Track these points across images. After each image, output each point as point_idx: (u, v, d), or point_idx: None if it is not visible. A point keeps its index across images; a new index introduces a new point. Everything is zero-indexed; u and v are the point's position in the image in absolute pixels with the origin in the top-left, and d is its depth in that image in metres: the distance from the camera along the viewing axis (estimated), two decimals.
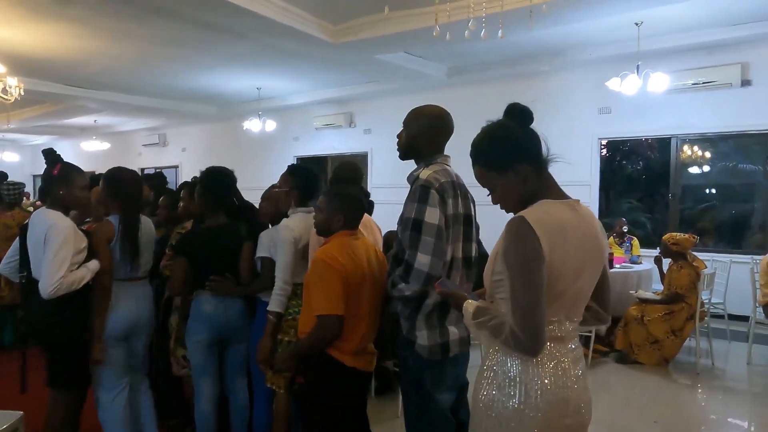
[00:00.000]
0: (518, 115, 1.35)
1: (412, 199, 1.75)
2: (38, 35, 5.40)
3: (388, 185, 7.17)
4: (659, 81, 5.11)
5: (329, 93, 8.33)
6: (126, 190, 2.37)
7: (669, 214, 6.32)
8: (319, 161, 9.62)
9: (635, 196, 8.05)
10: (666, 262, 4.45)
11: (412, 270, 1.70)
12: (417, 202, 1.73)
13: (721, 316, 4.81)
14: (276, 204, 2.48)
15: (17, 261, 2.36)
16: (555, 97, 6.52)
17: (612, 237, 5.68)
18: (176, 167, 11.65)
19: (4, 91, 5.21)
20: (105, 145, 11.71)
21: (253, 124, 8.27)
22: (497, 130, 1.35)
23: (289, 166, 2.52)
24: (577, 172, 6.32)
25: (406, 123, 1.94)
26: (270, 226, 2.56)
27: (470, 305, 1.34)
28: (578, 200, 1.32)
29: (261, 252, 2.35)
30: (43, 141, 14.40)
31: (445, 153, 1.94)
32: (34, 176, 14.65)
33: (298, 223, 2.28)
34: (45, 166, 2.33)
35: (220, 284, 2.34)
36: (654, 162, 7.59)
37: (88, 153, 12.21)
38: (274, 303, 2.20)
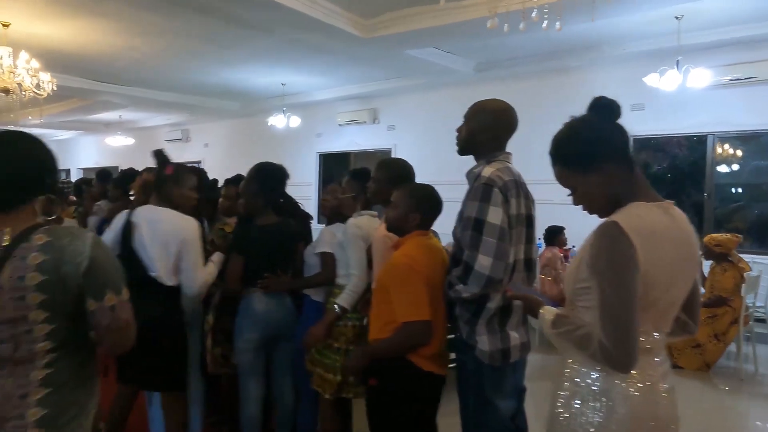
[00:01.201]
0: (604, 110, 1.27)
1: (474, 198, 1.67)
2: (71, 31, 5.44)
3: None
4: (700, 76, 4.96)
5: (353, 89, 8.27)
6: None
7: (704, 214, 6.14)
8: (342, 158, 9.58)
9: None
10: (706, 264, 4.31)
11: (471, 272, 1.62)
12: (479, 201, 1.65)
13: (764, 320, 4.66)
14: (338, 201, 2.45)
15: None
16: (585, 94, 6.30)
17: None
18: (198, 163, 11.70)
19: (38, 86, 5.25)
20: (129, 141, 11.82)
21: (277, 120, 8.25)
22: (581, 126, 1.27)
23: (351, 171, 2.48)
24: None
25: (467, 117, 1.87)
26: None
27: (548, 312, 1.27)
28: (672, 202, 1.24)
29: (322, 247, 2.32)
30: (69, 136, 14.61)
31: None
32: (60, 171, 14.87)
33: (365, 223, 2.24)
34: (157, 165, 2.35)
35: (275, 282, 2.31)
36: (681, 160, 7.38)
37: (112, 148, 12.34)
38: (346, 298, 2.15)
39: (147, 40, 5.81)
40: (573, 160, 1.24)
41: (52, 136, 14.72)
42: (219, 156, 10.92)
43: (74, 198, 5.28)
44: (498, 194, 1.65)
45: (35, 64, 5.16)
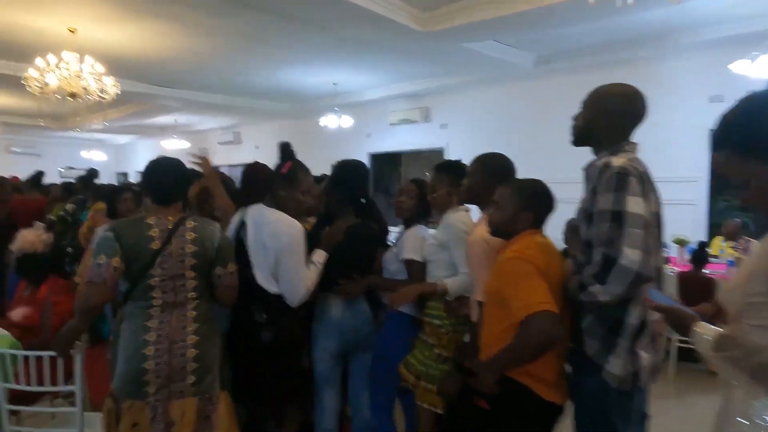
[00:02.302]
0: None
1: (607, 189, 1.46)
2: (132, 35, 5.53)
3: None
4: None
5: (405, 87, 8.11)
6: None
7: None
8: (393, 157, 9.45)
9: (732, 194, 7.29)
10: None
11: (614, 267, 1.38)
12: (614, 191, 1.44)
13: None
14: (417, 201, 2.29)
15: None
16: (657, 86, 5.95)
17: (724, 239, 5.12)
18: None
19: (102, 90, 5.36)
20: (183, 144, 12.12)
21: (329, 120, 8.20)
22: (764, 102, 1.05)
23: (438, 164, 2.30)
24: (682, 167, 5.77)
25: (587, 104, 1.66)
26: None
27: (706, 330, 1.06)
28: None
29: (408, 254, 2.17)
30: (126, 140, 15.16)
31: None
32: (118, 174, 15.47)
33: (467, 220, 2.09)
34: (278, 159, 2.23)
35: (352, 286, 2.17)
36: None
37: (167, 151, 12.69)
38: (453, 282, 2.02)
39: (202, 42, 5.85)
40: (751, 144, 1.02)
41: (112, 141, 15.35)
42: (270, 157, 10.84)
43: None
44: (635, 183, 1.44)
45: (100, 68, 5.27)
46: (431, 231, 2.32)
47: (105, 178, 11.63)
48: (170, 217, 1.88)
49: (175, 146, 12.08)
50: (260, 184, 2.21)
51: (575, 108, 1.69)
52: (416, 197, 2.38)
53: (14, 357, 2.03)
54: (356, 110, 8.90)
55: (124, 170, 15.40)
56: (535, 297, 1.46)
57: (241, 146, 12.20)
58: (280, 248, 1.99)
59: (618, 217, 1.41)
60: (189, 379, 1.81)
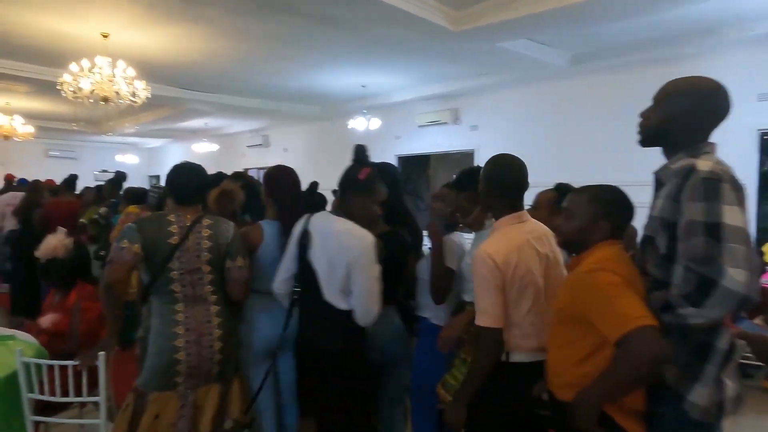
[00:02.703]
0: None
1: (695, 197, 1.30)
2: (165, 39, 5.56)
3: None
4: None
5: (434, 88, 7.98)
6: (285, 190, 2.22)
7: None
8: (422, 160, 9.32)
9: None
10: None
11: (715, 289, 1.22)
12: (705, 200, 1.27)
13: None
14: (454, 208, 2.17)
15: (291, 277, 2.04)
16: None
17: None
18: None
19: (134, 94, 5.41)
20: (214, 147, 12.24)
21: (358, 123, 8.13)
22: None
23: (458, 180, 2.18)
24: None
25: (660, 99, 1.50)
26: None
27: None
28: None
29: (448, 263, 2.05)
30: (158, 144, 15.45)
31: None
32: (150, 177, 15.77)
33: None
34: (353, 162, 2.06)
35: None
36: None
37: (198, 154, 12.85)
38: None
39: (234, 46, 5.85)
40: None
41: (144, 144, 15.66)
42: (298, 160, 11.02)
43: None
44: (729, 190, 1.28)
45: (131, 72, 5.31)
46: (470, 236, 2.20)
47: (137, 181, 11.82)
48: (189, 216, 2.06)
49: (205, 149, 12.22)
50: (294, 189, 2.20)
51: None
52: (452, 203, 2.25)
53: (39, 366, 1.99)
54: (384, 112, 8.81)
55: (156, 173, 15.68)
56: (631, 311, 1.29)
57: (269, 149, 12.26)
58: (352, 262, 1.85)
59: (714, 231, 1.25)
60: (214, 369, 2.00)
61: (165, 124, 11.39)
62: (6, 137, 9.40)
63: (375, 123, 8.21)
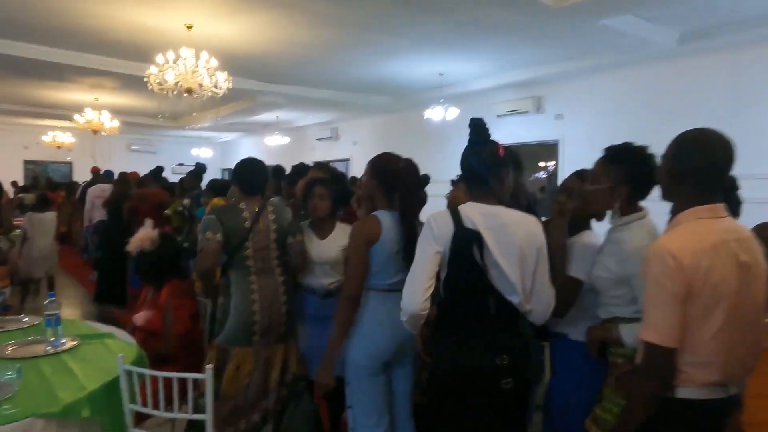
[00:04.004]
0: None
1: None
2: (246, 28, 5.49)
3: None
4: None
5: (516, 75, 7.50)
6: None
7: None
8: None
9: None
10: None
11: None
12: None
13: None
14: (590, 204, 1.82)
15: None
16: None
17: None
18: (347, 160, 11.83)
19: (216, 85, 5.37)
20: (285, 140, 12.33)
21: (435, 113, 7.81)
22: None
23: (607, 149, 1.81)
24: None
25: None
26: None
27: None
28: None
29: (576, 272, 1.73)
30: (231, 138, 15.84)
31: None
32: (223, 170, 16.21)
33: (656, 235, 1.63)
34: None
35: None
36: None
37: (268, 148, 13.01)
38: (633, 335, 1.60)
39: (313, 33, 5.70)
40: None
41: (218, 138, 16.12)
42: (367, 153, 10.78)
43: None
44: None
45: (214, 62, 5.27)
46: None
47: (211, 174, 12.12)
48: (255, 204, 2.47)
49: (276, 142, 12.33)
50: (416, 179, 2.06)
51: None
52: (581, 197, 1.91)
53: (141, 373, 1.85)
54: (461, 102, 8.41)
55: (229, 166, 16.10)
56: None
57: (339, 142, 12.19)
58: (540, 248, 1.64)
59: None
60: (281, 329, 2.40)
61: (240, 118, 11.57)
62: (95, 132, 9.85)
63: (452, 112, 7.84)
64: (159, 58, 5.23)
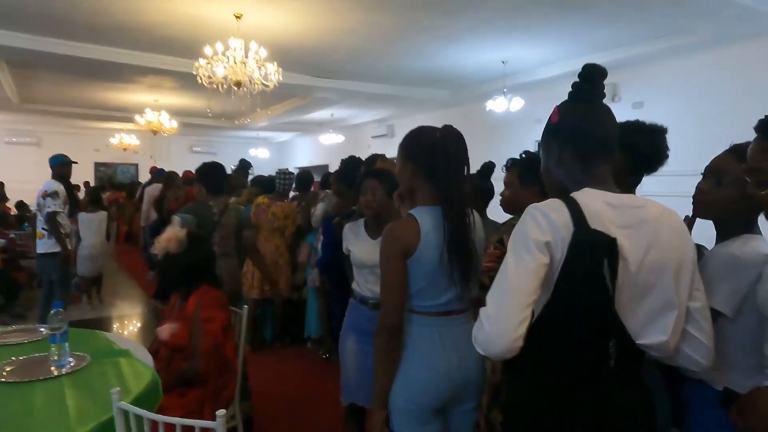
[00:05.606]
0: None
1: None
2: (297, 17, 5.20)
3: (667, 173, 5.39)
4: None
5: (587, 60, 6.77)
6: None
7: None
8: None
9: None
10: None
11: None
12: None
13: None
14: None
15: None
16: None
17: None
18: None
19: (265, 77, 5.11)
20: (340, 138, 12.12)
21: (497, 104, 7.26)
22: None
23: (762, 122, 1.29)
24: None
25: None
26: None
27: None
28: None
29: (716, 303, 1.26)
30: (287, 138, 15.85)
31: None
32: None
33: None
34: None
35: None
36: None
37: (323, 146, 12.86)
38: None
39: (368, 20, 5.33)
40: None
41: (274, 138, 16.19)
42: None
43: (296, 192, 5.06)
44: None
45: (263, 52, 5.02)
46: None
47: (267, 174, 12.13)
48: (220, 202, 3.17)
49: (331, 141, 12.15)
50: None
51: None
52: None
53: (154, 401, 1.51)
54: (525, 92, 7.81)
55: (285, 166, 16.15)
56: None
57: (394, 140, 11.84)
58: (694, 267, 1.15)
59: None
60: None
61: (294, 116, 11.46)
62: (155, 132, 10.00)
63: (517, 103, 7.27)
64: (207, 50, 5.04)
